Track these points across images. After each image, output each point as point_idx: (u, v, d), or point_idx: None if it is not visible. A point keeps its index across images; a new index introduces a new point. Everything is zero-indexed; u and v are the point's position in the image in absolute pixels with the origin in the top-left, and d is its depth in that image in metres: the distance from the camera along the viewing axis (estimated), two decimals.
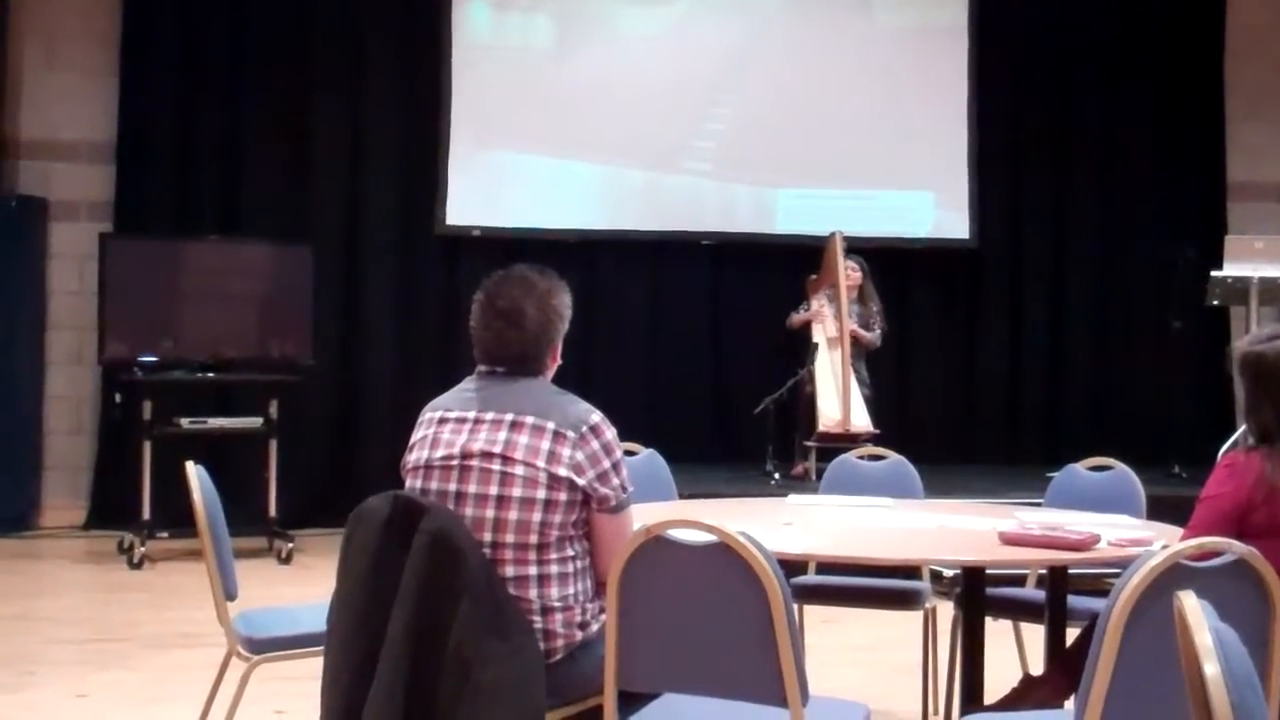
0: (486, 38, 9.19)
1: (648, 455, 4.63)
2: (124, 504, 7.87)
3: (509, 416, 2.94)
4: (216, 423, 7.80)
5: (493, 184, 9.10)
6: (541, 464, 2.88)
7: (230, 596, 3.58)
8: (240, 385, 8.08)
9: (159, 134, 8.73)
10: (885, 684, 4.99)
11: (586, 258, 8.91)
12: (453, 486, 2.92)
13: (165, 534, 7.40)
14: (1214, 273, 7.80)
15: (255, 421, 7.84)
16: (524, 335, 3.02)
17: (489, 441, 2.92)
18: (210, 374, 7.84)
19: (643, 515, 2.95)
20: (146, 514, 7.48)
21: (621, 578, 2.74)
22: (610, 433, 2.98)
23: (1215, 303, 8.01)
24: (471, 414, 2.98)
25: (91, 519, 8.52)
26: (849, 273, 7.86)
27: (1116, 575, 2.70)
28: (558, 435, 2.91)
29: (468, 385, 3.08)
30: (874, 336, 8.04)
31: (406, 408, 3.76)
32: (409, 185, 9.03)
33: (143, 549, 7.34)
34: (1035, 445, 9.29)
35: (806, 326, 8.03)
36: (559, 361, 3.15)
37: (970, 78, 9.46)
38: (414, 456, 3.02)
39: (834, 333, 7.85)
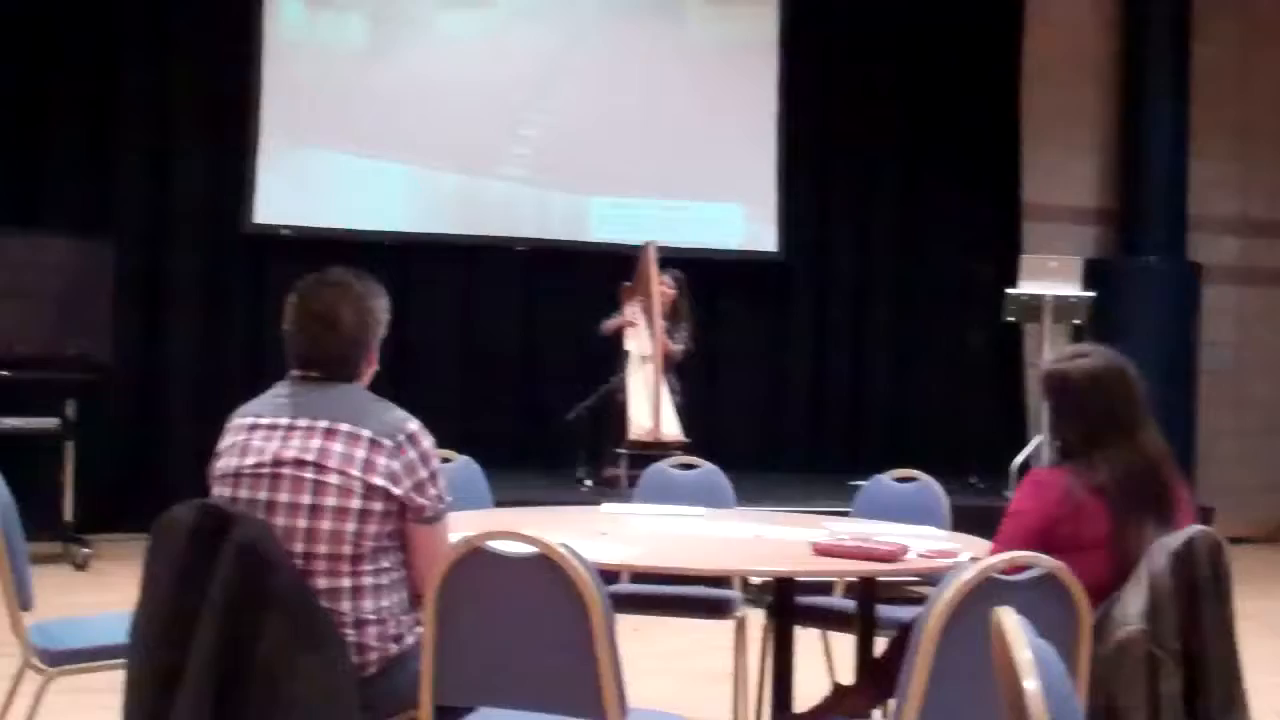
0: (299, 34, 9.01)
1: (463, 462, 4.58)
2: None
3: (323, 423, 2.86)
4: (7, 423, 7.45)
5: (304, 183, 8.93)
6: (356, 473, 2.81)
7: (25, 607, 3.43)
8: (34, 384, 7.73)
9: None
10: (697, 693, 5.02)
11: (398, 260, 8.76)
12: (264, 495, 2.83)
13: None
14: (1009, 290, 8.08)
15: (50, 422, 7.52)
16: (340, 339, 2.95)
17: (302, 449, 2.84)
18: (1, 372, 7.50)
19: (459, 523, 2.91)
20: None
21: (440, 590, 2.69)
22: (428, 441, 2.92)
23: (1010, 319, 8.29)
24: (284, 420, 2.89)
25: None
26: (664, 288, 7.91)
27: (922, 584, 2.77)
28: (374, 443, 2.84)
29: (280, 390, 2.98)
30: (677, 350, 8.04)
31: (212, 410, 3.64)
32: (218, 181, 8.79)
33: None
34: (838, 454, 9.51)
35: (619, 333, 8.05)
36: (375, 367, 3.08)
37: (780, 95, 9.65)
38: (222, 464, 2.91)
39: (646, 343, 7.88)
